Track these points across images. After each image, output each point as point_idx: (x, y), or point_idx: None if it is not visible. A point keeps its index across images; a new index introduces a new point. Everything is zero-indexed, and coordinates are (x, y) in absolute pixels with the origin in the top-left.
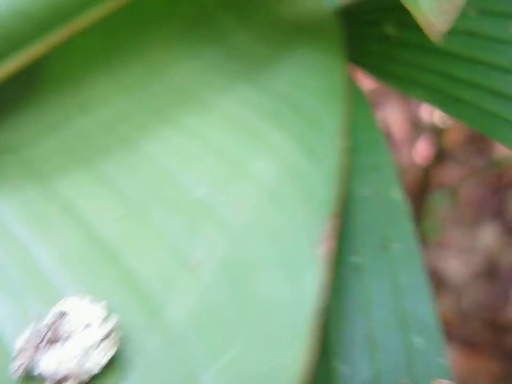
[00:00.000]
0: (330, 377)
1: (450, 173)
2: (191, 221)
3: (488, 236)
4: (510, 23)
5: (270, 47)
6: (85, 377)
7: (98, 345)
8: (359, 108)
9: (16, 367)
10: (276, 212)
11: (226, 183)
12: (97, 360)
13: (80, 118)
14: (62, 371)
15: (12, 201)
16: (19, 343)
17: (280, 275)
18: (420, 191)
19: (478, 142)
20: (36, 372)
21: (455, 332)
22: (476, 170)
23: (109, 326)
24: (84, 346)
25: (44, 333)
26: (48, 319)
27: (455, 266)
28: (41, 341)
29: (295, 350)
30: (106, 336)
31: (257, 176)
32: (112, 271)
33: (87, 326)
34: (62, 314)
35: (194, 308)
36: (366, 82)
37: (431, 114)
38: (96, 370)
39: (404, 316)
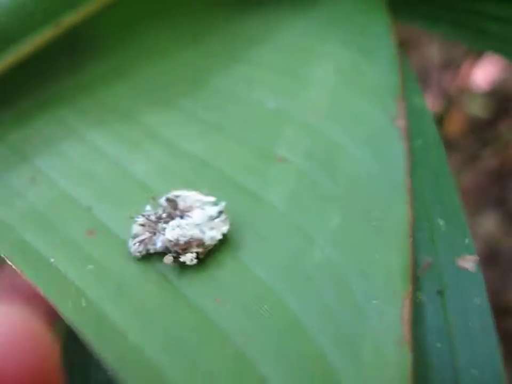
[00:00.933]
0: None
1: (451, 162)
2: (269, 128)
3: (489, 223)
4: None
5: None
6: (207, 245)
7: (213, 221)
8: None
9: (136, 244)
10: (347, 103)
11: (293, 93)
12: (213, 234)
13: (146, 67)
14: (184, 239)
15: (98, 128)
16: (137, 221)
17: (367, 152)
18: None
19: (479, 132)
20: (158, 246)
21: None
22: (477, 159)
23: (219, 207)
24: (202, 218)
25: (162, 210)
26: (164, 199)
27: None
28: (159, 217)
29: (396, 210)
30: (219, 215)
31: (321, 81)
32: (205, 175)
33: (201, 205)
34: (176, 197)
35: (291, 190)
36: None
37: (434, 104)
38: (213, 241)
39: (426, 201)
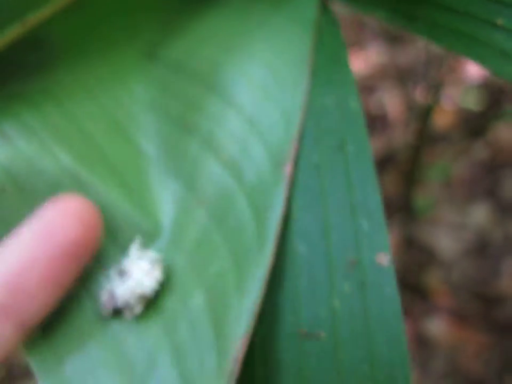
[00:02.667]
0: (291, 255)
1: (443, 153)
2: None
3: (480, 214)
4: None
5: None
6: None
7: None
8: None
9: (106, 308)
10: (254, 136)
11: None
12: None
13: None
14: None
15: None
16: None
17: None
18: (413, 170)
19: (472, 124)
20: (118, 306)
21: (445, 304)
22: (469, 150)
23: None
24: (139, 278)
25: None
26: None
27: (446, 242)
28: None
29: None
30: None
31: (234, 102)
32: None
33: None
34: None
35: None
36: (362, 67)
37: (426, 96)
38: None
39: (354, 205)
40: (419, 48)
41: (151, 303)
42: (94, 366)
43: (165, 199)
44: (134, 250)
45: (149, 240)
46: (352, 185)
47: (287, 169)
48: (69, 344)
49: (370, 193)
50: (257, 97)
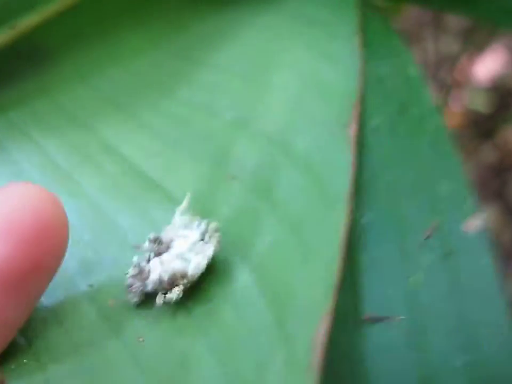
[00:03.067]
0: (356, 224)
1: None
2: (225, 142)
3: (488, 217)
4: None
5: None
6: (191, 275)
7: (197, 245)
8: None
9: (131, 294)
10: (304, 111)
11: (254, 101)
12: (197, 260)
13: (110, 67)
14: (166, 274)
15: (51, 137)
16: (129, 274)
17: (314, 161)
18: None
19: (480, 126)
20: (149, 288)
21: None
22: (477, 152)
23: (201, 227)
24: (183, 246)
25: (149, 253)
26: (146, 243)
27: None
28: (149, 260)
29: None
30: (202, 237)
31: (281, 87)
32: (154, 197)
33: (183, 231)
34: (157, 234)
35: (234, 211)
36: None
37: (436, 97)
38: (199, 269)
39: (427, 166)
40: (429, 49)
41: (194, 287)
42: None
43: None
44: (179, 216)
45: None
46: (421, 146)
47: (352, 130)
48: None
49: (446, 152)
50: (312, 67)
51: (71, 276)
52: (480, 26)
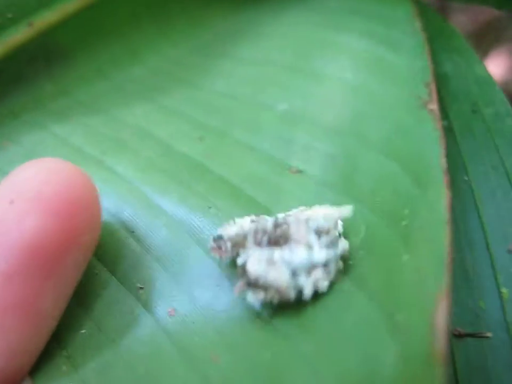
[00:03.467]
0: None
1: None
2: (280, 133)
3: None
4: None
5: None
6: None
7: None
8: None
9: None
10: (371, 96)
11: (307, 92)
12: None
13: (131, 65)
14: (262, 280)
15: (79, 131)
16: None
17: (397, 144)
18: None
19: None
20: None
21: None
22: None
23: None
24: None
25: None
26: (270, 223)
27: None
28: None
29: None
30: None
31: (337, 76)
32: (204, 179)
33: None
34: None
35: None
36: None
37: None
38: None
39: (508, 171)
40: None
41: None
42: None
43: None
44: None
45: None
46: (500, 149)
47: (433, 106)
48: None
49: None
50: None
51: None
52: (485, 31)
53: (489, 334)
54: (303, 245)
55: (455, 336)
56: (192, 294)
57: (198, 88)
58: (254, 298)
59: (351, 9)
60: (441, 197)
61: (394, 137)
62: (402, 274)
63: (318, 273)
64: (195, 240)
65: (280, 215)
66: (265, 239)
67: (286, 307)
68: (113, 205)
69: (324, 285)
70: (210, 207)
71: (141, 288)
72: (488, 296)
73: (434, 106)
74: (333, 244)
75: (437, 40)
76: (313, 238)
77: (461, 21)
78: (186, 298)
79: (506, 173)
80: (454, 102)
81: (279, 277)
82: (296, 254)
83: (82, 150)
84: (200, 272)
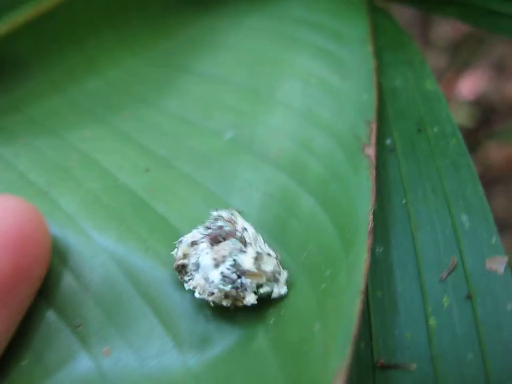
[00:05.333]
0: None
1: None
2: (223, 168)
3: None
4: None
5: None
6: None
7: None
8: (384, 19)
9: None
10: (315, 129)
11: (255, 118)
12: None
13: (87, 77)
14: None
15: (25, 154)
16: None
17: (332, 188)
18: None
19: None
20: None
21: None
22: None
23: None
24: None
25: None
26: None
27: None
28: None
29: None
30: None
31: (286, 102)
32: (145, 218)
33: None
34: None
35: None
36: None
37: None
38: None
39: (446, 195)
40: None
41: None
42: None
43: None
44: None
45: None
46: (441, 171)
47: (371, 151)
48: None
49: (467, 180)
50: (314, 89)
51: None
52: (466, 42)
53: (413, 366)
54: (213, 260)
55: (378, 368)
56: (127, 336)
57: (151, 107)
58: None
59: (310, 22)
60: (360, 263)
61: (330, 182)
62: (311, 345)
63: (201, 282)
64: (132, 282)
65: (227, 215)
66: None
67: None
68: (54, 240)
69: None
70: (147, 250)
71: (78, 326)
72: (415, 326)
73: (371, 152)
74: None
75: (391, 52)
76: (223, 265)
77: (443, 31)
78: (121, 341)
79: (445, 197)
80: (400, 119)
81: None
82: (204, 258)
83: (27, 177)
84: (135, 315)
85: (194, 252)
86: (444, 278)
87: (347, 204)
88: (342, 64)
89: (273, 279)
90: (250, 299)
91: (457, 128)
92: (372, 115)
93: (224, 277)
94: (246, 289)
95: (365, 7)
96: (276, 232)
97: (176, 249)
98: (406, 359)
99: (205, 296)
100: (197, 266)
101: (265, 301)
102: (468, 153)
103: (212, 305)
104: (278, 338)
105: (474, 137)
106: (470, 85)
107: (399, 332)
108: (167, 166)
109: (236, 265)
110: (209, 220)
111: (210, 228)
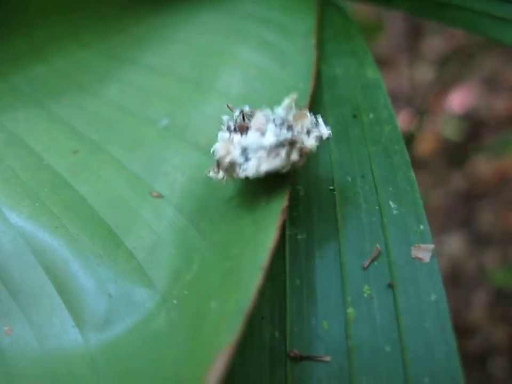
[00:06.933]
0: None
1: (421, 181)
2: (153, 155)
3: (454, 244)
4: None
5: None
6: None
7: None
8: (335, 11)
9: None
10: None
11: (192, 108)
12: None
13: (33, 65)
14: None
15: None
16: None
17: None
18: None
19: (452, 153)
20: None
21: None
22: (446, 179)
23: None
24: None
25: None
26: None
27: None
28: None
29: None
30: None
31: (223, 91)
32: (63, 199)
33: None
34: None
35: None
36: None
37: (408, 123)
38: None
39: (376, 181)
40: (404, 75)
41: None
42: None
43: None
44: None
45: None
46: (373, 157)
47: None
48: None
49: (399, 167)
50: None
51: None
52: (457, 56)
53: (327, 358)
54: (257, 131)
55: (291, 359)
56: (29, 315)
57: (92, 94)
58: (214, 175)
59: (261, 18)
60: (267, 240)
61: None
62: (205, 322)
63: (262, 154)
64: (38, 260)
65: (247, 108)
66: (231, 125)
67: None
68: None
69: (264, 166)
70: (57, 227)
71: None
72: (332, 316)
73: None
74: (287, 131)
75: (336, 43)
76: (269, 127)
77: (434, 44)
78: (23, 319)
79: (374, 184)
80: (336, 106)
81: (231, 153)
82: (249, 137)
83: None
84: (38, 293)
85: (234, 145)
86: (366, 266)
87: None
88: (284, 56)
89: (315, 123)
90: (311, 141)
91: (394, 115)
92: (305, 102)
93: (276, 132)
94: (302, 133)
95: (316, 2)
96: (194, 215)
97: (215, 157)
98: (321, 350)
99: (270, 165)
100: (245, 150)
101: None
102: (402, 139)
103: (283, 168)
104: (177, 318)
105: (462, 151)
106: (459, 99)
107: (315, 322)
108: (97, 149)
109: (278, 119)
110: (223, 122)
111: (230, 125)
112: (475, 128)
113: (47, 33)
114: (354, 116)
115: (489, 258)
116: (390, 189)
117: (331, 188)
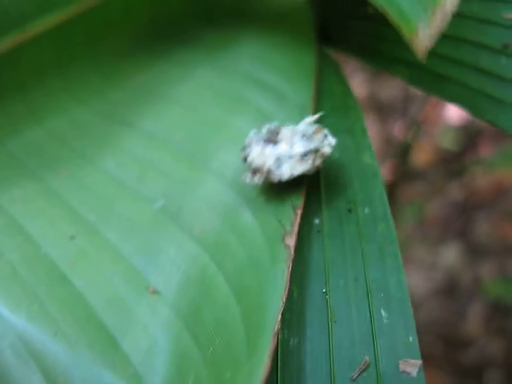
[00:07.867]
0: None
1: (418, 191)
2: (148, 241)
3: (450, 255)
4: (500, 7)
5: (233, 34)
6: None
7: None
8: (333, 77)
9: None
10: (240, 206)
11: (187, 188)
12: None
13: (29, 127)
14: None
15: None
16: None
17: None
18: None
19: (448, 164)
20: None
21: None
22: (443, 190)
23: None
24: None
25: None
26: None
27: (416, 281)
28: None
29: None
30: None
31: (218, 172)
32: (61, 298)
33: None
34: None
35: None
36: None
37: (405, 133)
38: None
39: (368, 286)
40: (399, 84)
41: None
42: None
43: None
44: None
45: None
46: (367, 258)
47: (291, 241)
48: None
49: (392, 271)
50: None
51: None
52: None
53: None
54: (287, 144)
55: None
56: None
57: (89, 163)
58: (251, 179)
59: (257, 80)
60: (260, 368)
61: (247, 269)
62: None
63: (294, 162)
64: (38, 367)
65: (273, 125)
66: (261, 138)
67: None
68: None
69: (297, 170)
70: (56, 333)
71: None
72: None
73: (291, 242)
74: (311, 142)
75: (333, 115)
76: (296, 139)
77: None
78: None
79: (367, 289)
80: (332, 196)
81: (267, 161)
82: (280, 147)
83: None
84: None
85: (267, 155)
86: (354, 377)
87: (259, 298)
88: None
89: (325, 135)
90: (328, 148)
91: (389, 211)
92: (300, 200)
93: (303, 142)
94: (322, 141)
95: (315, 62)
96: (189, 319)
97: (252, 165)
98: None
99: (301, 169)
100: (278, 158)
101: None
102: (396, 240)
103: (309, 171)
104: None
105: (460, 161)
106: (455, 109)
107: None
108: (93, 234)
109: (302, 133)
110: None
111: (259, 138)
112: (472, 138)
113: (42, 91)
114: (349, 210)
115: (486, 269)
116: (382, 295)
117: (324, 290)
